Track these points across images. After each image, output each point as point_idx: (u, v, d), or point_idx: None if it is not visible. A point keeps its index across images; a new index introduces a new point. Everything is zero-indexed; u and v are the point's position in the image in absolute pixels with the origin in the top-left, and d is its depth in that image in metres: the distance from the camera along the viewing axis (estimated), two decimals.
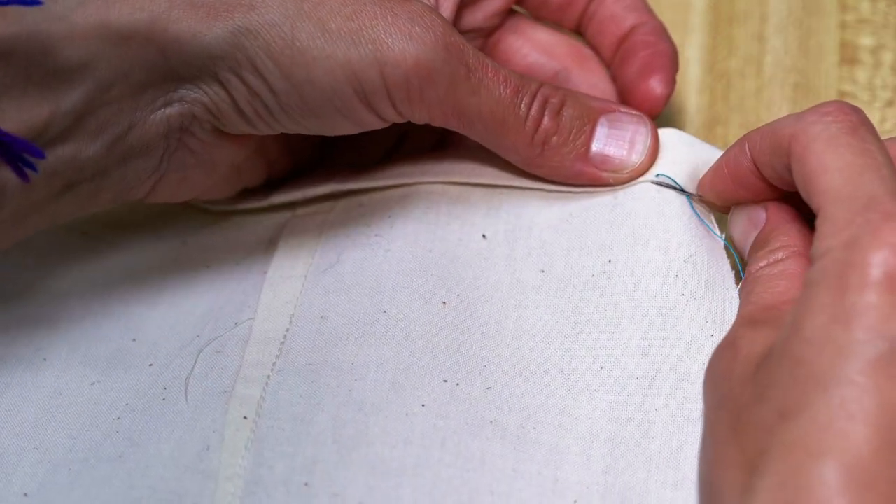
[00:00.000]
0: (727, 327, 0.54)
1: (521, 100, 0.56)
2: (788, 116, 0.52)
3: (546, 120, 0.57)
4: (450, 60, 0.54)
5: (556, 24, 0.64)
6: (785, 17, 0.72)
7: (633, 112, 0.59)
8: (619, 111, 0.59)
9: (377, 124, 0.56)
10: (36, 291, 0.62)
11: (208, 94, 0.54)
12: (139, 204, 0.64)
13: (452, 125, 0.56)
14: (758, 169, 0.54)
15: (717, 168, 0.57)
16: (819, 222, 0.48)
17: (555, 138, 0.57)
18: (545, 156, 0.58)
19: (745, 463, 0.46)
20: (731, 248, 0.57)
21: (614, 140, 0.58)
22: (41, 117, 0.50)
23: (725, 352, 0.51)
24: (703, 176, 0.58)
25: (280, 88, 0.54)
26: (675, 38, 0.63)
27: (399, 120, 0.56)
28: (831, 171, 0.48)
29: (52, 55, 0.50)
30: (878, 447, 0.43)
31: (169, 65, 0.53)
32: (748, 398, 0.47)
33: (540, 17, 0.65)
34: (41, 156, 0.48)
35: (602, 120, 0.58)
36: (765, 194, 0.55)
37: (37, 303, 0.61)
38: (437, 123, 0.56)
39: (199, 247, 0.64)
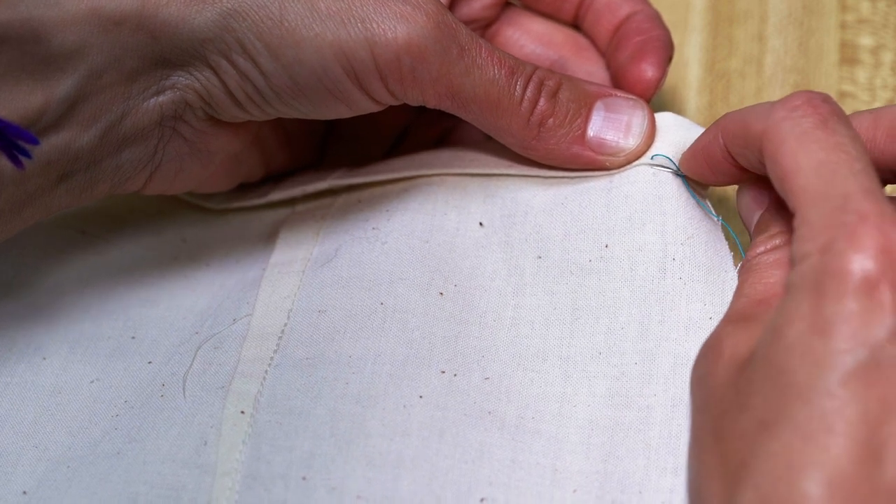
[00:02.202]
0: (725, 309, 0.54)
1: (517, 81, 0.56)
2: (759, 108, 0.51)
3: (542, 102, 0.57)
4: (441, 40, 0.54)
5: (552, 16, 0.64)
6: (785, 17, 0.72)
7: (630, 96, 0.59)
8: (616, 95, 0.58)
9: (372, 107, 0.56)
10: (35, 290, 0.62)
11: (199, 80, 0.54)
12: (138, 202, 0.65)
13: (447, 106, 0.56)
14: (732, 156, 0.53)
15: (692, 152, 0.56)
16: (796, 224, 0.47)
17: (551, 120, 0.57)
18: (541, 138, 0.57)
19: (727, 473, 0.46)
20: (730, 228, 0.57)
21: (610, 124, 0.58)
22: (35, 105, 0.51)
23: (710, 351, 0.50)
24: (681, 158, 0.57)
25: (270, 70, 0.54)
26: (675, 38, 0.63)
27: (393, 101, 0.56)
28: (804, 171, 0.47)
29: (45, 42, 0.50)
30: (860, 459, 0.43)
31: (160, 50, 0.53)
32: (730, 404, 0.47)
33: (536, 10, 0.65)
34: (35, 142, 0.48)
35: (598, 104, 0.58)
36: (740, 178, 0.55)
37: (36, 301, 0.61)
38: (431, 105, 0.56)
39: (199, 244, 0.64)
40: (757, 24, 0.72)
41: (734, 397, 0.47)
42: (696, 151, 0.56)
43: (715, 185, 0.58)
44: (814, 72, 0.70)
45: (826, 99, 0.49)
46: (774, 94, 0.70)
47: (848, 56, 0.70)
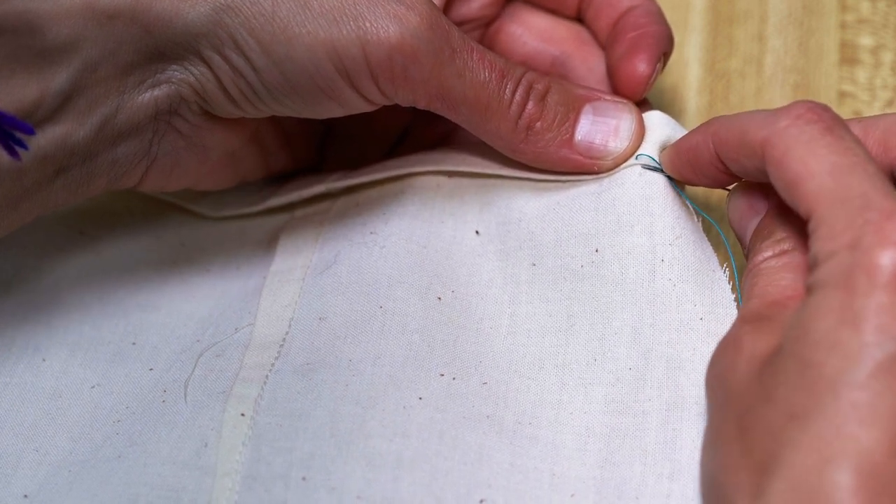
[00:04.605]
0: (716, 309, 0.54)
1: (506, 84, 0.56)
2: (756, 116, 0.51)
3: (530, 105, 0.57)
4: (434, 41, 0.54)
5: (555, 11, 0.64)
6: (785, 17, 0.72)
7: (619, 99, 0.59)
8: (604, 99, 0.58)
9: (363, 106, 0.56)
10: (34, 292, 0.62)
11: (194, 74, 0.55)
12: (137, 203, 0.65)
13: (437, 108, 0.56)
14: (720, 160, 0.53)
15: (676, 152, 0.56)
16: (814, 226, 0.47)
17: (539, 123, 0.57)
18: (529, 141, 0.57)
19: (753, 465, 0.46)
20: (718, 226, 0.57)
21: (599, 127, 0.58)
22: (30, 98, 0.51)
23: (728, 349, 0.50)
24: (663, 156, 0.57)
25: (261, 66, 0.54)
26: (675, 38, 0.63)
27: (384, 101, 0.56)
28: (818, 175, 0.48)
29: (40, 34, 0.50)
30: (890, 450, 0.43)
31: (154, 44, 0.53)
32: (754, 399, 0.47)
33: (539, 5, 0.64)
34: (31, 132, 0.47)
35: (587, 107, 0.58)
36: (723, 182, 0.55)
37: (35, 303, 0.61)
38: (421, 106, 0.56)
39: (198, 249, 0.64)
40: (757, 24, 0.72)
41: (758, 392, 0.47)
42: (680, 152, 0.56)
43: (694, 186, 0.58)
44: (814, 72, 0.70)
45: (826, 108, 0.50)
46: (774, 93, 0.69)
47: (848, 56, 0.70)
